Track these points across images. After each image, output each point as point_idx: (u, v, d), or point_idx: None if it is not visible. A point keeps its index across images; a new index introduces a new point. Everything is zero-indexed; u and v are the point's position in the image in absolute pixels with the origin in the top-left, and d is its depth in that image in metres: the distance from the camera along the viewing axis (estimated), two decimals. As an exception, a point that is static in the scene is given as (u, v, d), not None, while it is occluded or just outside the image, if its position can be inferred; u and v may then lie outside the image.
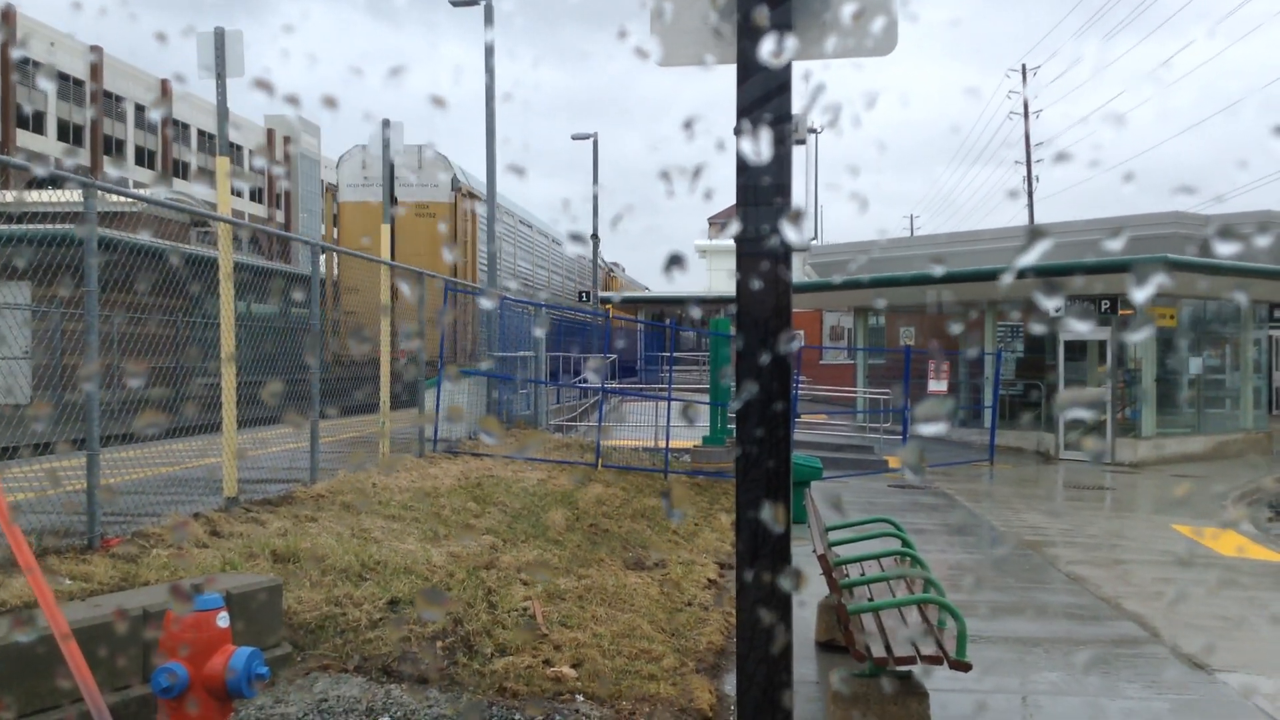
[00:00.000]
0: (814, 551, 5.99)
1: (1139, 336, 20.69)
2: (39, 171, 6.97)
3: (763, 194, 3.12)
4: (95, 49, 45.03)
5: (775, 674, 3.20)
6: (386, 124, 14.47)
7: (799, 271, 31.67)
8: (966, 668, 5.23)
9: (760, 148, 3.11)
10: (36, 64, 41.47)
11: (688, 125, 2.51)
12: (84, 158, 44.36)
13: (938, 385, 22.16)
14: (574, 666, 6.04)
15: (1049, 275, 20.58)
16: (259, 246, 28.93)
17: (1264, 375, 25.10)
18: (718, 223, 69.69)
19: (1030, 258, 2.12)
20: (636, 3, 3.29)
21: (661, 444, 16.83)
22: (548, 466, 14.57)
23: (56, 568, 6.10)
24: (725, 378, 17.13)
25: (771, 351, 3.13)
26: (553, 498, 11.60)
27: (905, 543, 7.09)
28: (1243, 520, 13.89)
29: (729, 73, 3.26)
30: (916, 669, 5.34)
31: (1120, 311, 20.92)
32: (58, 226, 9.62)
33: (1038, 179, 49.46)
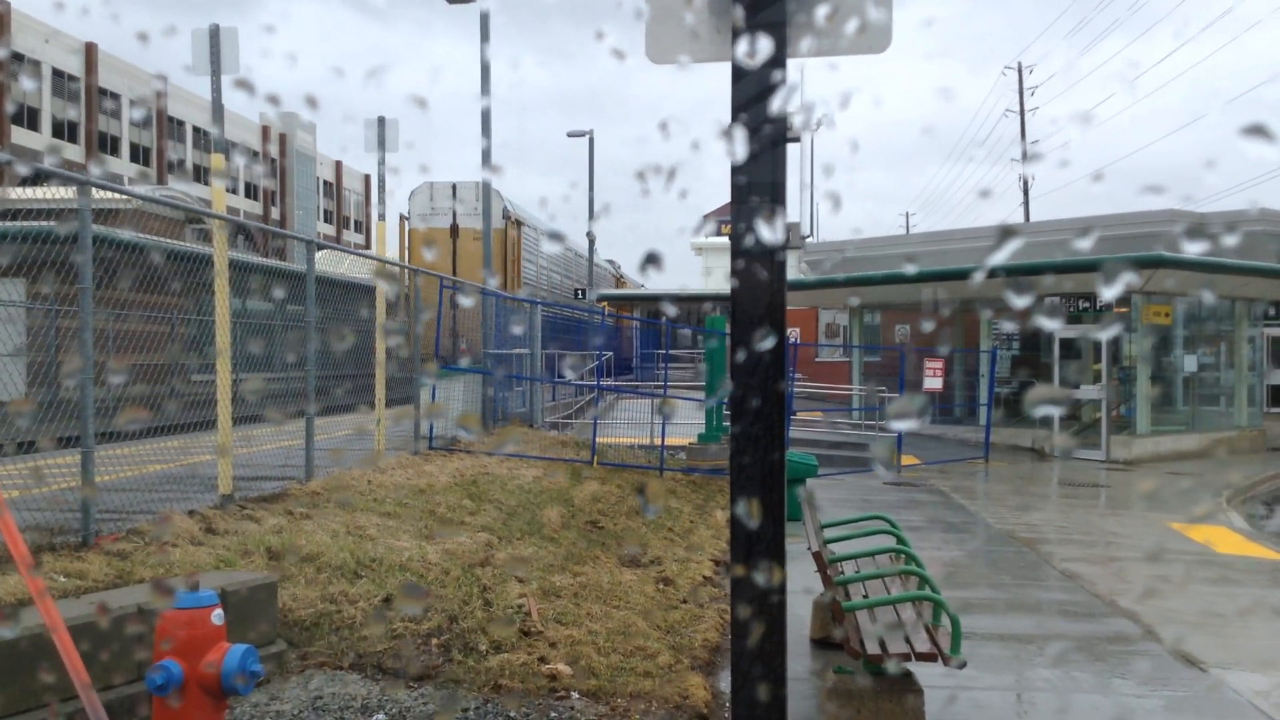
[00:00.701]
0: (809, 549, 5.99)
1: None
2: (47, 165, 6.95)
3: (757, 191, 3.12)
4: (89, 44, 44.94)
5: (770, 671, 3.20)
6: (382, 121, 14.46)
7: (794, 269, 31.68)
8: (961, 665, 5.24)
9: (754, 145, 3.12)
10: (32, 60, 41.36)
11: (663, 126, 2.51)
12: (76, 154, 44.26)
13: (933, 383, 22.17)
14: (569, 664, 6.05)
15: (1042, 273, 20.63)
16: (254, 243, 28.89)
17: (1258, 373, 25.15)
18: (713, 219, 69.66)
19: (1000, 257, 2.12)
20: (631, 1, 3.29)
21: (657, 441, 16.83)
22: (543, 464, 14.57)
23: (51, 565, 6.09)
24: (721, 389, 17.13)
25: (765, 349, 3.13)
26: (548, 495, 11.60)
27: (900, 540, 7.10)
28: (1210, 515, 13.93)
29: (723, 70, 3.26)
30: (911, 666, 5.36)
31: (1115, 309, 20.96)
32: (52, 224, 9.60)
33: (1033, 177, 49.53)
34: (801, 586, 7.25)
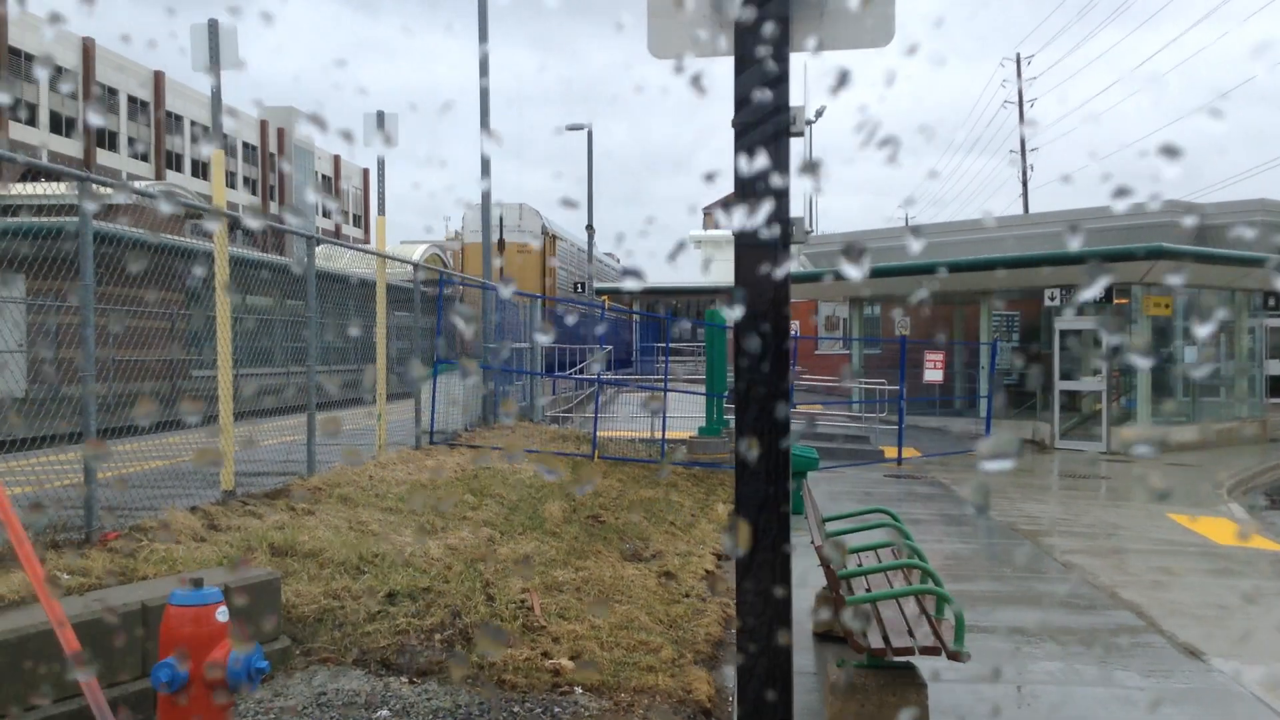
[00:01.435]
0: (812, 543, 5.99)
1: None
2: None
3: (761, 185, 3.12)
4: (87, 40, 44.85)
5: (775, 666, 3.21)
6: (381, 116, 14.44)
7: (794, 262, 31.62)
8: (964, 658, 5.24)
9: (758, 139, 3.11)
10: (29, 56, 41.28)
11: (709, 178, 2.51)
12: (74, 149, 44.19)
13: (933, 375, 22.18)
14: (572, 659, 6.05)
15: (1042, 264, 20.64)
16: (254, 239, 28.88)
17: (1259, 364, 25.14)
18: (712, 213, 69.65)
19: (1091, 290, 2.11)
20: (634, -5, 3.28)
21: (658, 435, 16.84)
22: (544, 458, 14.57)
23: (54, 562, 6.10)
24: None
25: (770, 342, 3.13)
26: (550, 490, 11.60)
27: (902, 533, 7.10)
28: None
29: (726, 64, 3.26)
30: (914, 659, 5.36)
31: (1115, 300, 20.95)
32: (52, 219, 9.59)
33: (1032, 168, 49.47)
34: (804, 580, 7.26)
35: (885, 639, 5.36)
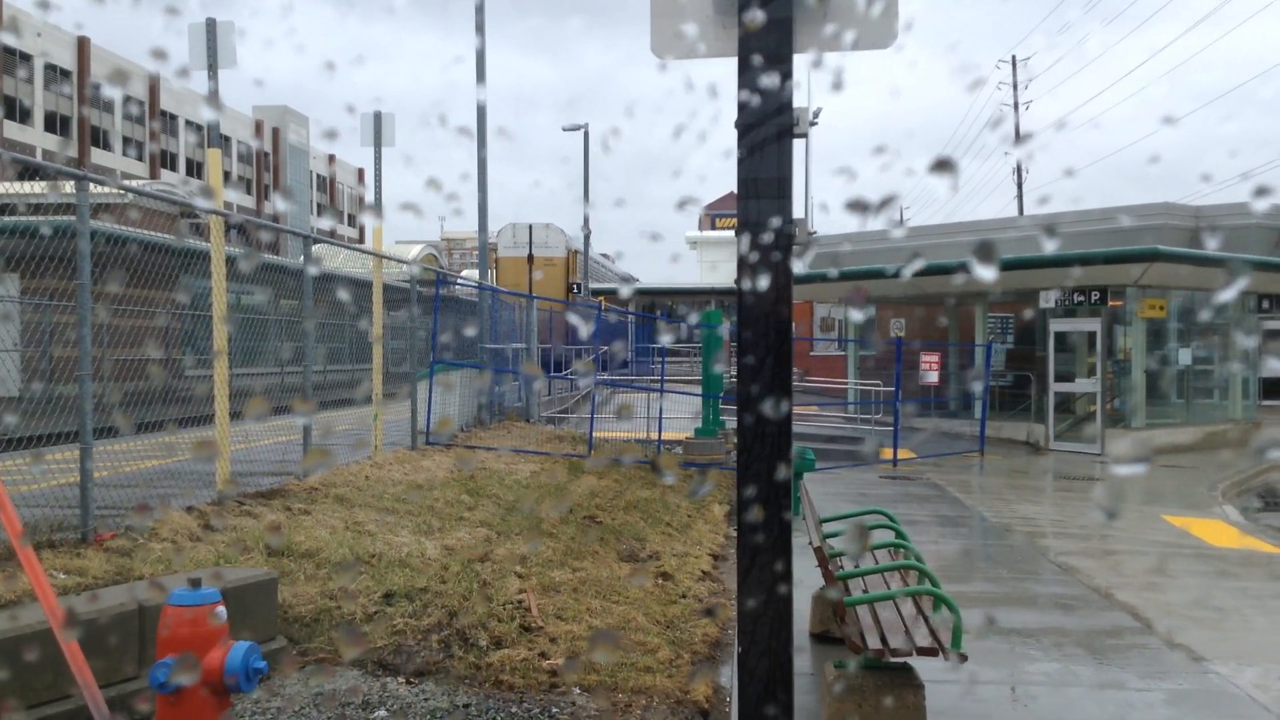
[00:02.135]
0: (809, 543, 5.99)
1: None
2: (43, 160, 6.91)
3: (763, 186, 3.12)
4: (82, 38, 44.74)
5: (776, 667, 3.21)
6: (378, 116, 14.43)
7: (801, 263, 31.59)
8: (962, 659, 5.25)
9: (761, 140, 3.11)
10: (24, 55, 41.18)
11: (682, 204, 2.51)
12: (71, 149, 44.08)
13: (929, 377, 22.21)
14: (569, 659, 6.05)
15: (1039, 267, 20.68)
16: (248, 238, 28.84)
17: (1253, 365, 25.20)
18: (710, 214, 69.68)
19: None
20: (636, -5, 3.29)
21: (653, 436, 16.84)
22: (540, 458, 14.56)
23: (50, 562, 6.08)
24: (720, 368, 17.14)
25: (772, 344, 3.13)
26: (545, 490, 11.59)
27: (899, 534, 7.11)
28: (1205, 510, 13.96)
29: (730, 65, 3.26)
30: (911, 660, 5.37)
31: (1110, 302, 20.99)
32: (48, 218, 9.56)
33: (1027, 170, 49.56)
34: (801, 581, 7.25)
35: (883, 640, 5.36)
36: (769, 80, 3.03)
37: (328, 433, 13.62)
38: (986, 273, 1.96)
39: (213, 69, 9.01)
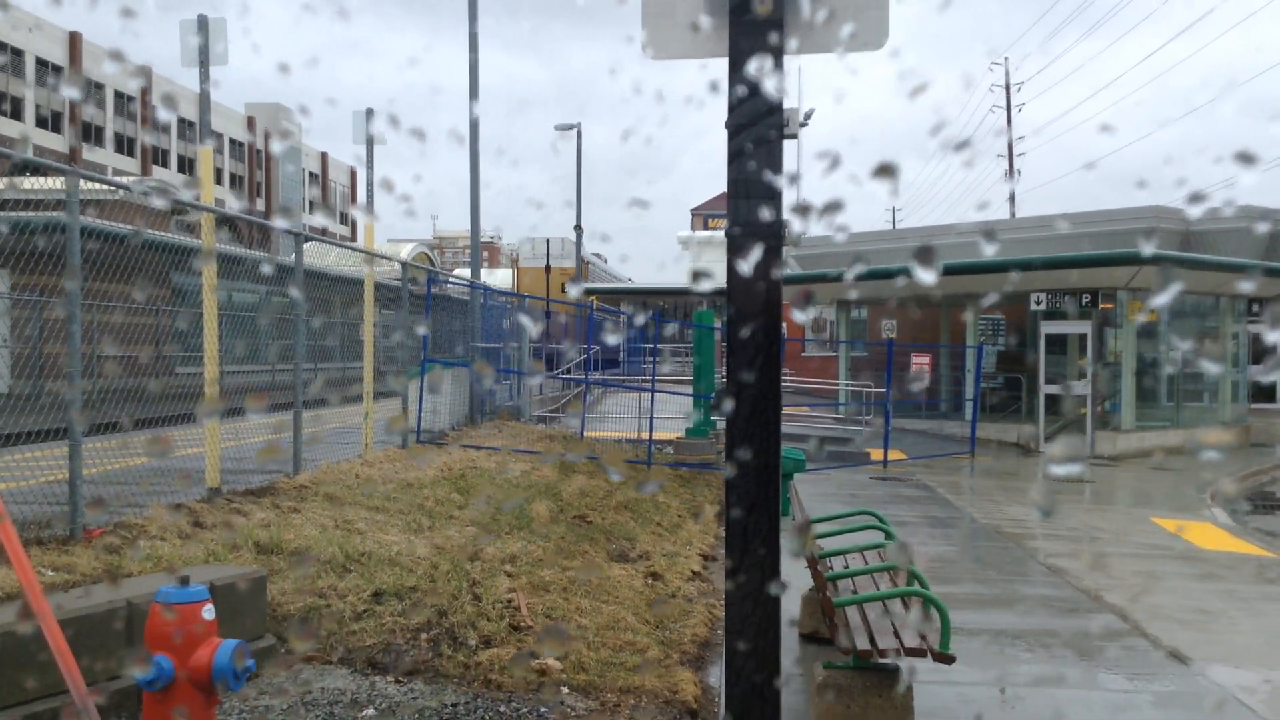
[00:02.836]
0: (799, 544, 6.00)
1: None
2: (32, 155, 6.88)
3: (754, 187, 3.12)
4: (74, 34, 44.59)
5: (763, 667, 3.21)
6: (369, 114, 14.41)
7: (785, 265, 31.62)
8: (950, 660, 5.26)
9: (751, 141, 3.12)
10: (16, 50, 41.03)
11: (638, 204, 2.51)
12: (59, 143, 43.91)
13: (920, 379, 22.24)
14: (559, 658, 6.05)
15: (1033, 269, 20.74)
16: (239, 235, 28.77)
17: (1242, 369, 25.29)
18: (701, 214, 69.70)
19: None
20: (628, -5, 3.28)
21: (644, 435, 16.84)
22: (531, 458, 14.55)
23: (39, 559, 6.06)
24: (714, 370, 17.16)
25: (761, 345, 3.14)
26: (536, 489, 11.58)
27: (888, 535, 7.13)
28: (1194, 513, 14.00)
29: (720, 66, 3.26)
30: (900, 661, 5.38)
31: (1100, 305, 21.06)
32: (38, 214, 9.53)
33: (1019, 173, 49.69)
34: (790, 582, 7.25)
35: (871, 640, 5.38)
36: (760, 81, 3.03)
37: (313, 432, 13.59)
38: (927, 276, 1.98)
39: (204, 66, 8.99)
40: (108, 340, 14.45)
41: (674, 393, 19.91)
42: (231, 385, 10.03)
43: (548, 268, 45.28)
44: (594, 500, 11.53)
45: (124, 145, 49.28)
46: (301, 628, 6.10)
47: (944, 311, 26.56)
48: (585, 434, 16.82)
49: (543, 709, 5.41)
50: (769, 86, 3.10)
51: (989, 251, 2.01)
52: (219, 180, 54.47)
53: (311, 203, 66.54)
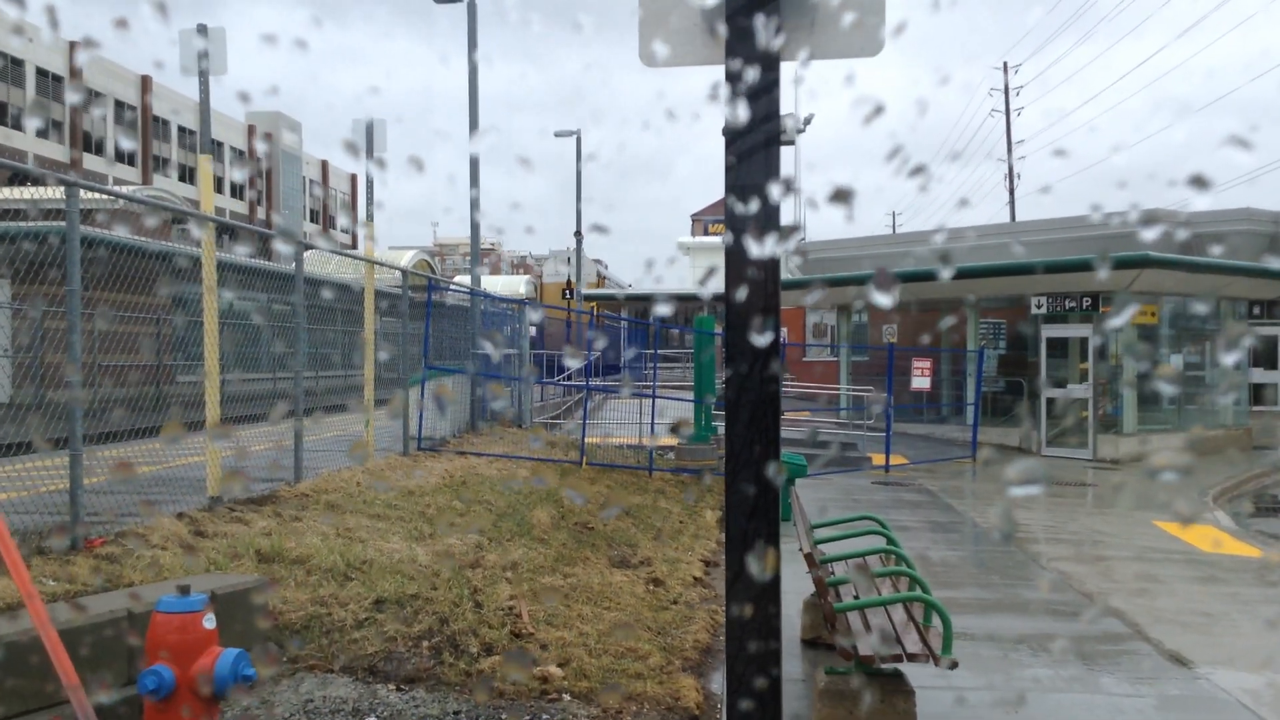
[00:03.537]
0: (800, 549, 6.00)
1: (1120, 319, 20.82)
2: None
3: (751, 192, 3.13)
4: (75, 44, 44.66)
5: (764, 674, 3.21)
6: (370, 124, 14.43)
7: (783, 269, 31.64)
8: (952, 665, 5.25)
9: (749, 147, 3.12)
10: (15, 61, 41.10)
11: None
12: (60, 153, 43.97)
13: (920, 382, 22.24)
14: (560, 665, 6.04)
15: (1031, 272, 20.74)
16: (241, 244, 28.82)
17: (1243, 372, 25.28)
18: (701, 220, 69.73)
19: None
20: (624, 3, 3.29)
21: (646, 441, 16.83)
22: (532, 464, 14.55)
23: (40, 569, 6.06)
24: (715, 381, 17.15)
25: (760, 351, 3.14)
26: (538, 496, 11.58)
27: (890, 540, 7.12)
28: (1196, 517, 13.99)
29: (717, 73, 3.27)
30: (902, 667, 5.37)
31: (1101, 308, 21.05)
32: (38, 224, 9.55)
33: (1019, 176, 49.71)
34: (792, 587, 7.25)
35: (873, 646, 5.37)
36: (756, 88, 3.04)
37: (320, 438, 13.58)
38: (883, 299, 2.00)
39: (203, 75, 9.01)
40: (108, 349, 14.47)
41: (675, 398, 19.90)
42: (231, 394, 10.02)
43: (569, 283, 46.52)
44: (595, 506, 11.53)
45: (124, 155, 49.31)
46: (303, 636, 6.10)
47: (945, 316, 26.55)
48: (586, 440, 16.80)
49: (545, 716, 5.40)
50: (766, 93, 3.10)
51: (945, 275, 2.01)
52: (219, 189, 54.53)
53: (314, 212, 66.61)
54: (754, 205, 3.08)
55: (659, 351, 27.12)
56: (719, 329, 18.15)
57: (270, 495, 9.48)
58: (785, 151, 3.26)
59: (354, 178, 71.53)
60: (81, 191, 7.01)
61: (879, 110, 2.07)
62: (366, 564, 7.44)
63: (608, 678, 5.94)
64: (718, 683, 6.29)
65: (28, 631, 4.39)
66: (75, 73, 44.26)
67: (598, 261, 59.33)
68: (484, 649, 6.21)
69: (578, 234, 39.49)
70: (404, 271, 15.74)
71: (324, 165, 69.20)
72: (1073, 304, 21.18)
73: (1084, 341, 21.58)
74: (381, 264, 15.60)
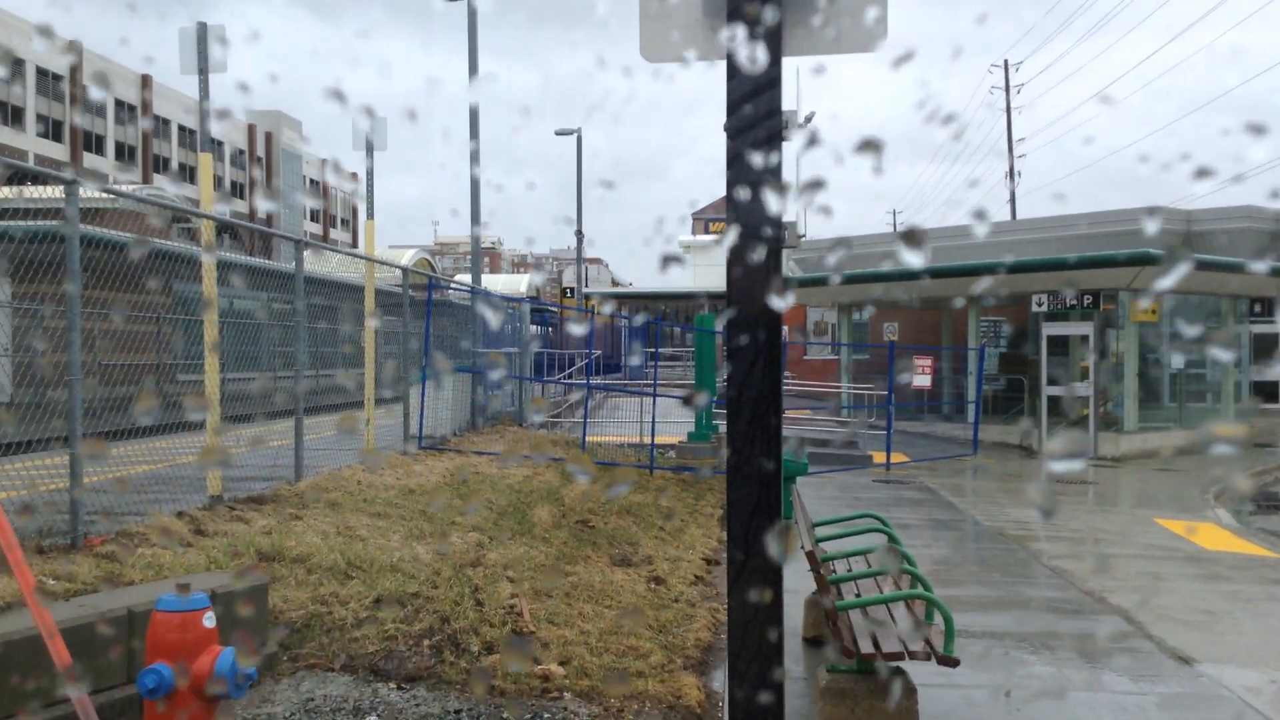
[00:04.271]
0: (801, 547, 5.98)
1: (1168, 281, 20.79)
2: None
3: (753, 190, 3.11)
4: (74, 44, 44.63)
5: (767, 672, 3.19)
6: (371, 118, 14.40)
7: (784, 267, 31.58)
8: (954, 663, 5.24)
9: (750, 142, 3.11)
10: (17, 59, 41.09)
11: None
12: (60, 153, 43.97)
13: (921, 381, 22.23)
14: (561, 664, 6.03)
15: (1032, 271, 20.73)
16: (240, 242, 28.81)
17: (1244, 369, 25.25)
18: (702, 219, 69.73)
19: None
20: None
21: (646, 440, 16.82)
22: (532, 463, 14.53)
23: (40, 567, 6.05)
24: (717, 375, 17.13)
25: (762, 348, 3.12)
26: (538, 494, 11.57)
27: (892, 538, 7.11)
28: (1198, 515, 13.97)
29: (719, 68, 3.25)
30: (904, 665, 5.36)
31: (1102, 306, 21.03)
32: (38, 223, 9.54)
33: (1020, 174, 49.71)
34: (793, 586, 7.24)
35: (875, 644, 5.36)
36: (757, 83, 3.02)
37: (320, 436, 13.57)
38: (914, 258, 1.95)
39: (203, 73, 8.99)
40: (108, 348, 14.46)
41: (675, 396, 19.88)
42: (232, 392, 10.01)
43: (583, 290, 47.88)
44: (596, 504, 11.52)
45: (124, 153, 49.30)
46: (303, 635, 6.09)
47: (946, 314, 26.55)
48: (587, 439, 16.80)
49: (546, 715, 5.39)
50: (768, 89, 3.09)
51: (913, 260, 1.98)
52: (219, 187, 54.51)
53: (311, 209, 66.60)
54: (756, 201, 3.06)
55: (659, 350, 27.12)
56: (719, 327, 18.14)
57: (271, 494, 9.47)
58: (784, 151, 3.25)
59: (354, 176, 71.48)
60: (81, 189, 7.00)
61: (874, 146, 2.04)
62: (367, 562, 7.42)
63: (609, 675, 5.92)
64: (719, 681, 6.28)
65: (25, 630, 4.38)
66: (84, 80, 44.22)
67: (598, 259, 59.37)
68: (485, 647, 6.20)
69: (578, 233, 39.47)
70: (405, 270, 15.72)
71: (324, 164, 69.19)
72: (1074, 303, 21.16)
73: (1085, 339, 21.55)
74: (382, 262, 15.59)
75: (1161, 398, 23.05)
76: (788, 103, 3.21)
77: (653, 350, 26.66)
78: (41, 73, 43.63)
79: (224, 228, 22.17)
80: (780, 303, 2.43)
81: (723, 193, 3.33)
